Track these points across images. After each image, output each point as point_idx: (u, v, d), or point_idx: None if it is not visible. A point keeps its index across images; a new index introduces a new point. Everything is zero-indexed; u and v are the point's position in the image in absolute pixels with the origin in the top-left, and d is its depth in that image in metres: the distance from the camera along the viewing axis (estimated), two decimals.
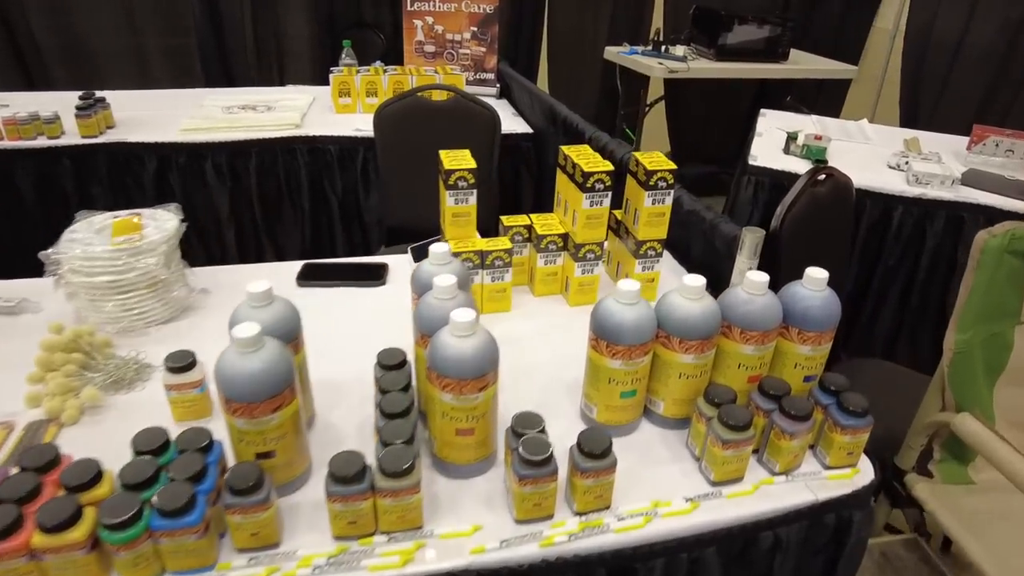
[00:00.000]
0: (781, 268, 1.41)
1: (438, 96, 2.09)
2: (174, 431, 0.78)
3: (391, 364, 0.88)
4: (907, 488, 1.05)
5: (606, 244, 1.22)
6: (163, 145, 2.13)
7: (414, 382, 0.89)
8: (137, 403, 0.97)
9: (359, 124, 2.28)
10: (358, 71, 2.45)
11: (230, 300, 1.23)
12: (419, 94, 2.08)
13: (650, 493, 0.83)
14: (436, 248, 0.93)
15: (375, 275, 1.30)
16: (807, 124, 2.53)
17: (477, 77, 2.73)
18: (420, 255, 1.44)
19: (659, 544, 0.79)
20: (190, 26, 3.21)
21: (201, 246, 2.30)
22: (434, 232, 1.31)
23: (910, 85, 3.47)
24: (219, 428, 0.85)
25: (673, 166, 1.14)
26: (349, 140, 2.24)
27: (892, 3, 3.56)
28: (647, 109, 3.40)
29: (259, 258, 2.37)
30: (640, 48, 3.26)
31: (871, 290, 2.10)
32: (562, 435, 0.86)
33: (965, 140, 2.29)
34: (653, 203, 1.15)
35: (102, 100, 2.18)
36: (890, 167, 2.15)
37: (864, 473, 0.88)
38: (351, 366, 1.04)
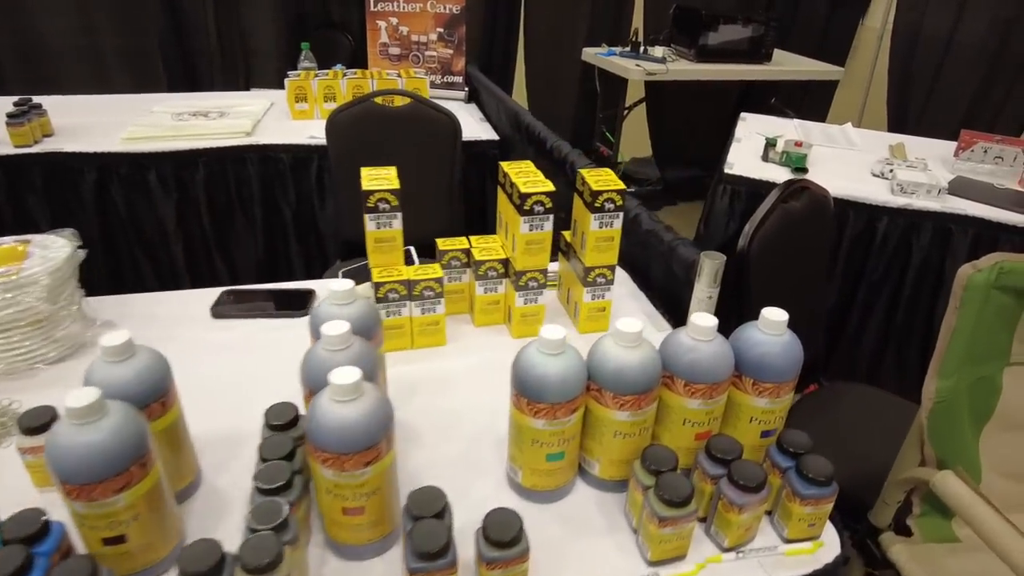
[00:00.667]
0: (751, 293, 1.29)
1: (397, 101, 1.96)
2: (36, 499, 0.65)
3: (280, 423, 0.76)
4: (882, 549, 0.93)
5: (556, 268, 1.09)
6: (102, 155, 1.99)
7: None
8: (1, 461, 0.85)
9: (314, 131, 2.15)
10: (316, 75, 2.32)
11: (138, 333, 1.11)
12: (376, 100, 1.95)
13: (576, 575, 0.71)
14: (335, 285, 0.81)
15: (298, 304, 1.18)
16: (788, 129, 2.42)
17: (445, 80, 2.60)
18: (360, 278, 1.32)
19: None
20: (150, 26, 3.07)
21: (148, 261, 2.17)
22: None
23: (898, 86, 3.36)
24: None
25: (622, 185, 1.02)
26: (303, 148, 2.11)
27: (880, 1, 3.45)
28: (626, 112, 3.28)
29: (211, 273, 2.24)
30: (618, 49, 3.14)
31: (855, 306, 1.98)
32: (484, 501, 0.74)
33: (953, 145, 2.18)
34: (600, 226, 1.03)
35: (38, 107, 2.05)
36: (874, 175, 2.04)
37: (829, 547, 0.76)
38: (254, 415, 0.92)
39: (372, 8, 2.51)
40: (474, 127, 2.30)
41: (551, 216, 1.02)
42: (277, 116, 2.35)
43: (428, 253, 1.19)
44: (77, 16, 3.01)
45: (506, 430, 0.89)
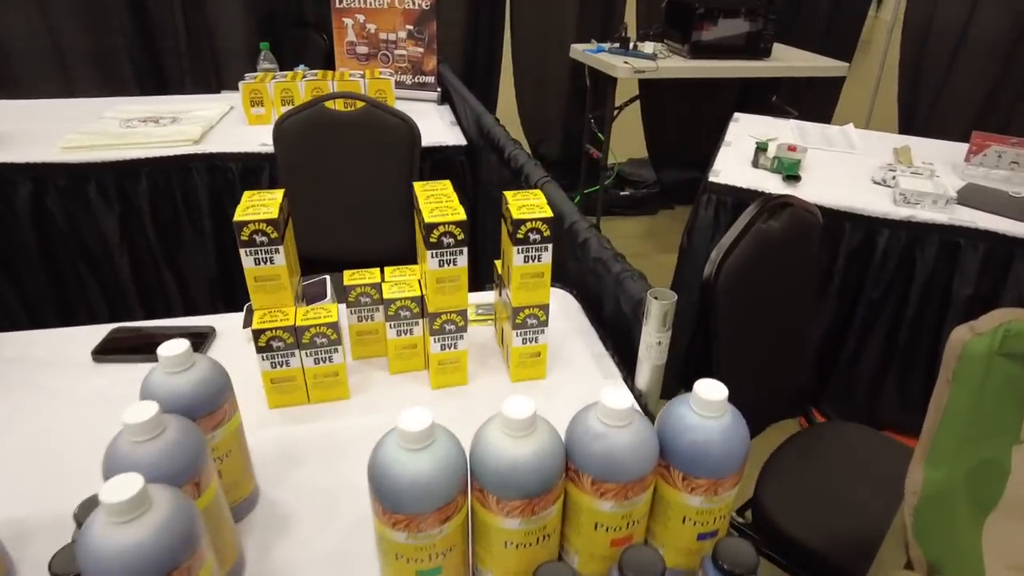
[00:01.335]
0: (718, 328, 1.12)
1: (348, 106, 1.80)
2: None
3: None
4: None
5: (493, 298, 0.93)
6: (37, 166, 1.85)
7: None
8: None
9: (268, 138, 1.99)
10: (274, 77, 2.17)
11: (7, 380, 0.96)
12: (327, 103, 1.79)
13: None
14: (166, 349, 0.65)
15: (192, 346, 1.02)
16: (784, 131, 2.23)
17: (416, 80, 2.44)
18: (315, 294, 1.16)
19: None
20: (116, 26, 2.93)
21: (92, 277, 2.03)
22: (335, 268, 1.02)
23: (909, 82, 3.15)
24: None
25: (549, 213, 0.85)
26: (253, 157, 1.96)
27: None
28: (616, 112, 3.09)
29: (160, 289, 2.10)
30: (607, 45, 2.96)
31: (852, 328, 1.80)
32: None
33: (964, 148, 1.99)
34: (526, 260, 0.87)
35: None
36: (875, 182, 1.85)
37: None
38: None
39: (337, 5, 2.35)
40: (442, 131, 2.13)
41: (463, 249, 0.85)
42: (233, 121, 2.20)
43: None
44: (39, 15, 2.88)
45: None
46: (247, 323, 1.07)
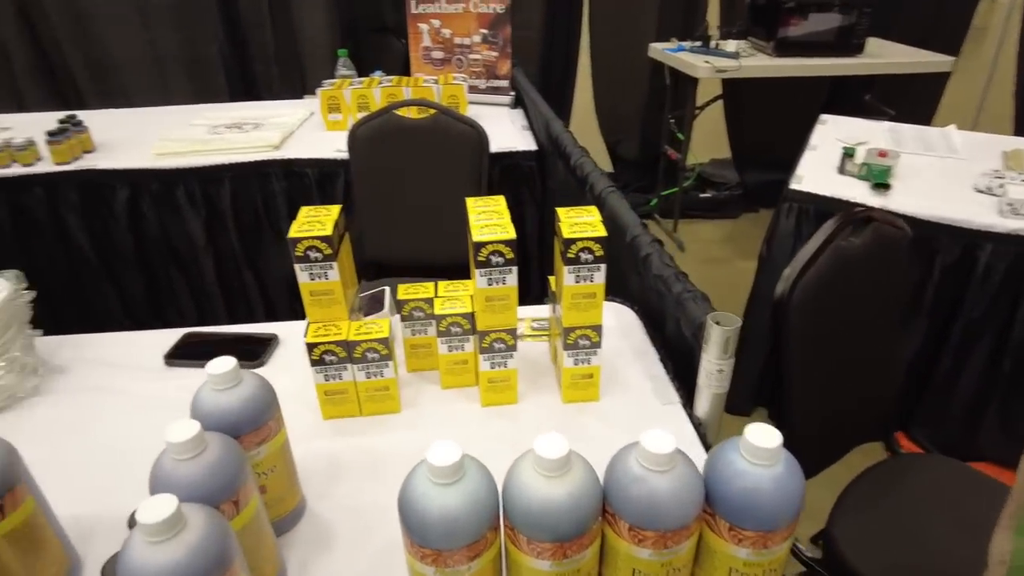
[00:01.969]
0: (790, 349, 1.05)
1: (420, 112, 1.82)
2: None
3: None
4: None
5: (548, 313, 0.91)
6: (133, 172, 1.98)
7: None
8: None
9: (342, 144, 2.04)
10: (351, 83, 2.22)
11: (87, 380, 1.03)
12: (398, 111, 1.82)
13: None
14: (214, 367, 0.67)
15: (251, 354, 1.05)
16: (877, 134, 2.08)
17: (489, 85, 2.44)
18: (373, 306, 1.18)
19: None
20: (209, 35, 3.09)
21: (182, 279, 2.15)
22: (404, 273, 1.03)
23: None
24: None
25: (603, 232, 0.81)
26: (329, 163, 2.01)
27: None
28: (697, 112, 2.99)
29: (243, 292, 2.19)
30: (687, 44, 2.86)
31: (947, 350, 1.66)
32: None
33: None
34: (577, 281, 0.84)
35: (79, 124, 2.06)
36: (978, 191, 1.70)
37: None
38: None
39: (413, 10, 2.38)
40: (512, 137, 2.12)
41: (513, 268, 0.83)
42: (313, 127, 2.27)
43: (460, 276, 1.01)
44: (143, 29, 3.08)
45: None
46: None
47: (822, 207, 1.68)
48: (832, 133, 2.09)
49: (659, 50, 2.97)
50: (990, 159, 1.89)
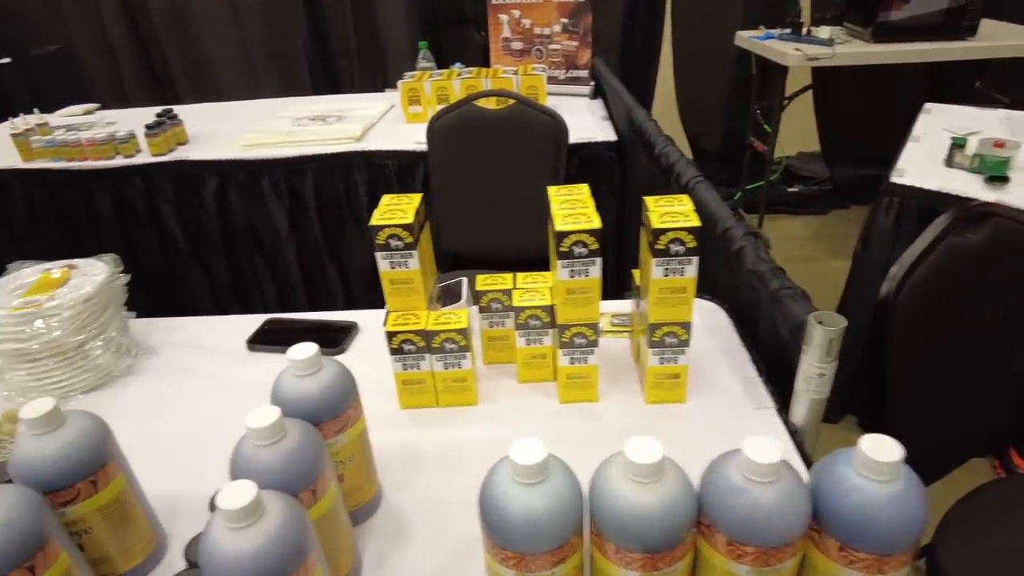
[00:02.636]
0: (896, 354, 0.97)
1: (499, 103, 1.80)
2: None
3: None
4: None
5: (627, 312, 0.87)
6: (221, 163, 2.05)
7: None
8: None
9: (422, 136, 2.05)
10: (431, 76, 2.23)
11: (175, 362, 1.06)
12: (477, 102, 1.81)
13: None
14: (296, 352, 0.66)
15: (332, 341, 1.06)
16: (990, 123, 1.91)
17: (569, 75, 2.40)
18: (450, 296, 1.17)
19: None
20: (295, 31, 3.18)
21: (266, 267, 2.22)
22: (479, 265, 1.02)
23: None
24: None
25: (696, 222, 0.77)
26: (408, 155, 2.02)
27: None
28: (786, 102, 2.85)
29: (324, 281, 2.24)
30: (777, 31, 2.72)
31: None
32: None
33: None
34: (666, 274, 0.79)
35: (174, 117, 2.16)
36: None
37: None
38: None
39: (494, 1, 2.37)
40: (592, 127, 2.07)
41: (597, 260, 0.80)
42: (393, 120, 2.29)
43: (535, 270, 0.99)
44: (234, 26, 3.20)
45: None
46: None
47: (926, 202, 1.55)
48: (938, 123, 1.94)
49: (746, 38, 2.84)
50: None
